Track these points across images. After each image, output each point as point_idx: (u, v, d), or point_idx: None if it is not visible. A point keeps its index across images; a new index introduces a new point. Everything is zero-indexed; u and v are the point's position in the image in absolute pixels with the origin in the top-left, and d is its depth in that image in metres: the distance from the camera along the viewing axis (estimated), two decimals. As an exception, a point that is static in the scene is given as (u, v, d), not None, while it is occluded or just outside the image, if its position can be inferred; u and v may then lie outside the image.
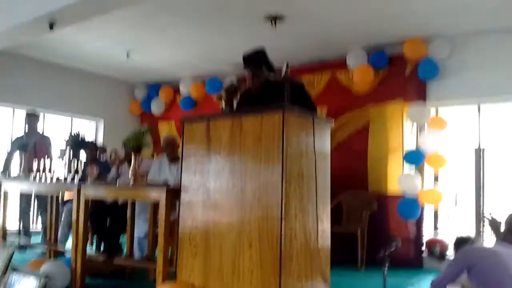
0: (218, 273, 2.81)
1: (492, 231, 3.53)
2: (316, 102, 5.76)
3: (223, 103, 3.20)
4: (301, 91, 3.15)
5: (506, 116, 5.41)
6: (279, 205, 2.59)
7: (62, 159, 4.39)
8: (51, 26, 4.53)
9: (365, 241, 5.36)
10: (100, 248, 5.51)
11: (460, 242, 3.44)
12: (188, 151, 3.09)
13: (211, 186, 2.93)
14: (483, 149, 5.41)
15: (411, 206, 5.38)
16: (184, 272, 3.01)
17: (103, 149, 6.61)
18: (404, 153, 5.58)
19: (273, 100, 3.11)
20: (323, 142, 3.04)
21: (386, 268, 2.81)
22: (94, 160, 5.89)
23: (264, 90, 3.25)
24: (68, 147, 4.79)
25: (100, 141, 7.81)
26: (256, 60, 3.23)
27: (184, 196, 3.06)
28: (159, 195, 3.15)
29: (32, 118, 6.10)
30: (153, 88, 8.23)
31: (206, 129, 2.99)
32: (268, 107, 2.75)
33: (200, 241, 2.94)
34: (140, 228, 4.76)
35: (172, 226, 3.24)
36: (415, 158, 5.44)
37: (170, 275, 3.15)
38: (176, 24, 5.35)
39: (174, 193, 3.12)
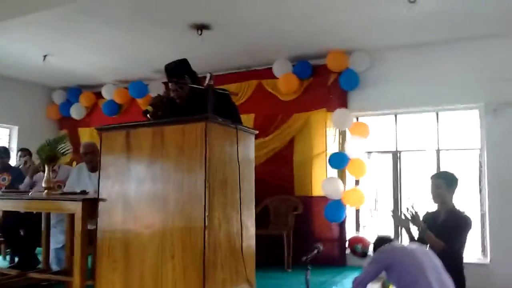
0: (140, 287, 2.71)
1: (413, 224, 3.69)
2: (244, 109, 5.94)
3: (148, 117, 3.10)
4: (226, 100, 3.14)
5: (419, 124, 5.78)
6: (202, 215, 2.56)
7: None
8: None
9: (291, 242, 5.50)
10: (14, 261, 5.15)
11: (380, 241, 3.60)
12: (107, 160, 2.95)
13: (131, 196, 2.82)
14: (400, 153, 5.76)
15: (336, 209, 5.60)
16: (104, 287, 2.86)
17: (26, 153, 6.13)
18: (327, 157, 5.80)
19: (199, 110, 3.09)
20: (247, 151, 3.06)
21: (308, 272, 2.87)
22: (7, 168, 5.52)
23: (189, 100, 3.22)
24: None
25: (14, 148, 7.28)
26: (179, 70, 3.19)
27: (102, 207, 2.92)
28: (75, 207, 2.99)
29: None
30: (73, 92, 7.83)
31: (126, 138, 2.88)
32: (191, 117, 2.71)
33: (120, 254, 2.82)
34: (57, 238, 4.53)
35: (92, 235, 3.07)
36: (339, 161, 5.66)
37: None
38: (97, 28, 5.12)
39: (91, 205, 2.97)
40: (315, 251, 2.88)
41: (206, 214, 2.56)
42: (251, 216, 3.10)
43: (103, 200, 2.92)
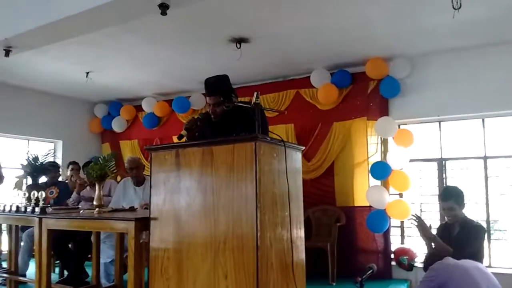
0: (193, 306, 2.73)
1: (420, 233, 3.66)
2: (282, 119, 5.92)
3: (185, 139, 3.13)
4: (262, 116, 3.15)
5: (464, 130, 5.60)
6: (254, 235, 2.55)
7: (20, 189, 4.19)
8: (7, 54, 4.39)
9: (335, 255, 5.42)
10: (63, 275, 5.29)
11: (429, 257, 3.52)
12: (157, 178, 2.99)
13: (182, 214, 2.85)
14: (445, 161, 5.59)
15: (379, 218, 5.48)
16: (157, 305, 2.90)
17: (76, 166, 6.33)
18: (369, 166, 5.70)
19: (233, 126, 3.09)
20: (295, 168, 3.04)
21: (362, 295, 2.82)
22: (56, 182, 5.67)
23: (223, 116, 3.21)
24: (25, 172, 4.59)
25: (59, 162, 7.51)
26: (218, 87, 3.17)
27: (154, 225, 2.97)
28: (127, 227, 3.04)
29: None
30: (114, 106, 8.04)
31: (176, 157, 2.92)
32: (240, 136, 2.71)
33: (173, 273, 2.85)
34: (106, 253, 4.63)
35: (140, 248, 3.12)
36: (381, 171, 5.53)
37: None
38: (139, 45, 5.24)
39: (143, 223, 3.02)
40: (370, 272, 2.82)
41: (258, 234, 2.55)
42: (300, 234, 3.08)
43: (154, 219, 2.97)
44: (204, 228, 2.75)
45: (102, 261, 4.52)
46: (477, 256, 3.45)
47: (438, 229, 3.82)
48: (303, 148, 3.15)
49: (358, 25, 4.68)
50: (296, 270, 2.98)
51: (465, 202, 3.66)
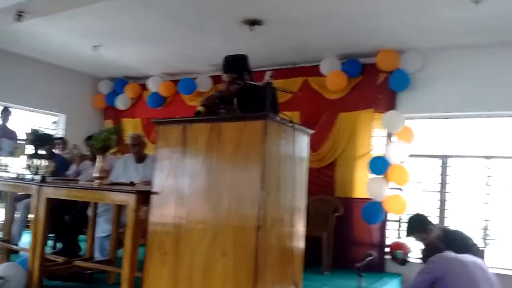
0: (188, 283, 2.70)
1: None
2: (289, 106, 5.87)
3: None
4: (275, 97, 3.13)
5: (468, 128, 5.56)
6: (256, 214, 2.52)
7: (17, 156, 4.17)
8: (19, 18, 4.32)
9: (331, 245, 5.42)
10: (55, 248, 5.27)
11: (428, 248, 3.50)
12: (162, 153, 2.96)
13: (185, 191, 2.81)
14: (447, 158, 5.55)
15: (373, 210, 5.47)
16: (151, 280, 2.87)
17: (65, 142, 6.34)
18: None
19: (246, 105, 3.07)
20: (302, 151, 3.01)
21: (361, 279, 2.81)
22: (52, 154, 5.64)
23: (238, 95, 3.20)
24: (28, 142, 4.55)
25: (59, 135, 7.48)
26: (239, 65, 3.18)
27: (155, 200, 2.93)
28: (128, 199, 3.01)
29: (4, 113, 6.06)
30: (119, 83, 7.96)
31: (182, 132, 2.88)
32: (250, 114, 2.67)
33: (170, 248, 2.82)
34: (103, 227, 4.59)
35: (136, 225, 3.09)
36: (379, 166, 5.49)
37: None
38: (151, 21, 5.16)
39: (143, 197, 2.99)
40: (369, 258, 2.80)
41: (261, 214, 2.52)
42: (302, 217, 3.07)
43: (156, 193, 2.93)
44: (206, 205, 2.72)
45: (97, 235, 4.49)
46: None
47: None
48: (312, 131, 3.10)
49: (372, 15, 4.61)
50: (296, 254, 2.97)
51: (428, 224, 3.65)
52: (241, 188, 2.60)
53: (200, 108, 3.06)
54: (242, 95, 3.19)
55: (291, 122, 2.77)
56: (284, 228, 2.82)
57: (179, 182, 2.84)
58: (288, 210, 2.85)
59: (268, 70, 2.84)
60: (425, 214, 3.77)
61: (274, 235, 2.70)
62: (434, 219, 5.44)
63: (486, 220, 5.26)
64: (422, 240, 3.62)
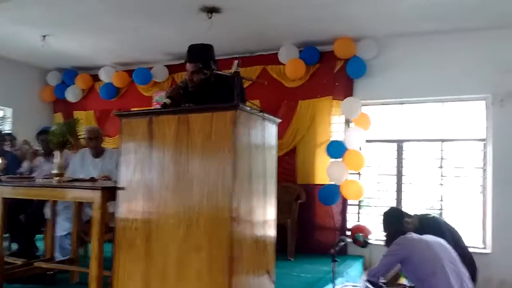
0: (162, 279, 2.65)
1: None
2: (248, 95, 5.78)
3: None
4: (242, 86, 3.11)
5: (423, 113, 5.76)
6: (229, 206, 2.49)
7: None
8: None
9: (294, 231, 5.51)
10: (11, 249, 5.02)
11: (395, 232, 3.62)
12: (128, 147, 2.86)
13: (153, 185, 2.74)
14: (403, 143, 5.75)
15: (329, 192, 5.60)
16: (122, 278, 2.79)
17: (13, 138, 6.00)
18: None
19: (211, 96, 3.01)
20: (271, 140, 3.01)
21: (335, 264, 2.86)
22: (2, 151, 5.34)
23: (200, 86, 3.13)
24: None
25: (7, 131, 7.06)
26: (200, 54, 3.09)
27: (122, 196, 2.84)
28: (93, 196, 2.88)
29: None
30: (69, 74, 7.59)
31: (148, 125, 2.79)
32: (220, 105, 2.62)
33: (141, 245, 2.74)
34: (62, 226, 4.40)
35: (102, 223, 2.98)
36: (336, 150, 5.61)
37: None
38: (102, 8, 4.93)
39: (109, 193, 2.88)
40: (342, 243, 2.86)
41: (234, 206, 2.50)
42: (273, 206, 3.08)
43: (122, 189, 2.84)
44: (177, 199, 2.66)
45: (57, 234, 4.31)
46: None
47: None
48: (280, 120, 3.10)
49: (329, 2, 4.64)
50: (269, 242, 2.98)
51: (404, 218, 3.70)
52: (213, 180, 2.56)
53: (166, 100, 3.01)
54: (208, 85, 3.13)
55: (261, 111, 2.75)
56: (258, 217, 2.82)
57: (147, 177, 2.76)
58: (260, 199, 2.85)
59: (235, 59, 2.78)
60: (399, 207, 3.82)
61: (248, 226, 2.70)
62: (391, 202, 5.67)
63: (441, 201, 5.51)
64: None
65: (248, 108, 2.65)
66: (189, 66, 3.08)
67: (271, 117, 2.99)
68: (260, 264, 2.89)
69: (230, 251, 2.47)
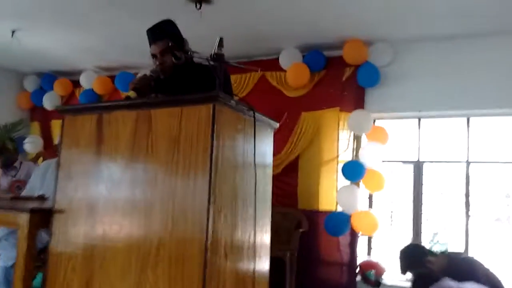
0: None
1: None
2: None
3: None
4: (227, 79, 2.42)
5: (445, 129, 5.06)
6: (202, 240, 1.73)
7: None
8: None
9: (294, 266, 4.72)
10: None
11: (419, 278, 2.89)
12: (68, 156, 2.13)
13: (99, 209, 1.99)
14: (422, 165, 4.98)
15: (337, 220, 4.81)
16: None
17: None
18: (338, 165, 5.00)
19: (186, 86, 2.33)
20: (266, 150, 2.24)
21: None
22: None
23: (176, 74, 2.48)
24: None
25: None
26: (165, 30, 2.44)
27: (58, 222, 2.08)
28: (18, 221, 2.12)
29: None
30: (48, 79, 6.89)
31: (97, 124, 2.04)
32: (192, 95, 1.88)
33: (79, 285, 1.97)
34: (7, 254, 3.64)
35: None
36: (354, 171, 4.83)
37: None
38: (80, 2, 4.29)
39: (41, 217, 2.11)
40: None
41: (209, 240, 1.72)
42: (266, 241, 2.30)
43: (60, 211, 2.07)
44: (129, 227, 1.91)
45: (2, 264, 3.55)
46: None
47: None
48: (278, 124, 2.34)
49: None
50: (259, 281, 2.19)
51: (427, 257, 3.26)
52: (181, 202, 1.82)
53: (130, 93, 2.32)
54: (181, 74, 2.43)
55: (251, 109, 1.99)
56: (244, 256, 2.05)
57: (92, 195, 2.02)
58: (248, 231, 2.08)
59: (219, 36, 2.05)
60: (420, 244, 3.22)
61: (229, 267, 1.92)
62: (408, 233, 4.87)
63: (466, 235, 4.70)
64: (426, 271, 3.04)
65: (233, 102, 1.89)
66: (155, 48, 2.43)
67: (266, 119, 2.22)
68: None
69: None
